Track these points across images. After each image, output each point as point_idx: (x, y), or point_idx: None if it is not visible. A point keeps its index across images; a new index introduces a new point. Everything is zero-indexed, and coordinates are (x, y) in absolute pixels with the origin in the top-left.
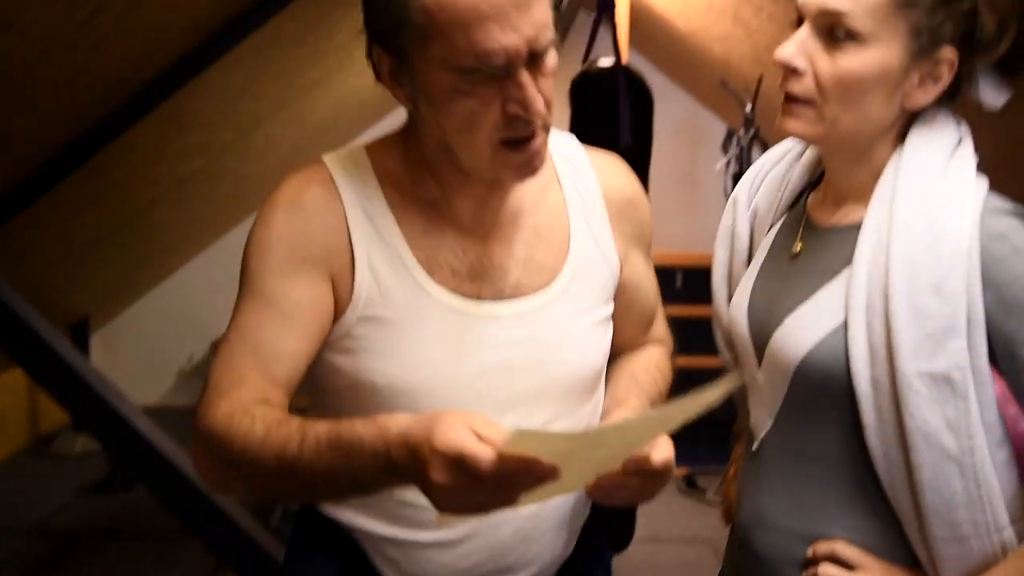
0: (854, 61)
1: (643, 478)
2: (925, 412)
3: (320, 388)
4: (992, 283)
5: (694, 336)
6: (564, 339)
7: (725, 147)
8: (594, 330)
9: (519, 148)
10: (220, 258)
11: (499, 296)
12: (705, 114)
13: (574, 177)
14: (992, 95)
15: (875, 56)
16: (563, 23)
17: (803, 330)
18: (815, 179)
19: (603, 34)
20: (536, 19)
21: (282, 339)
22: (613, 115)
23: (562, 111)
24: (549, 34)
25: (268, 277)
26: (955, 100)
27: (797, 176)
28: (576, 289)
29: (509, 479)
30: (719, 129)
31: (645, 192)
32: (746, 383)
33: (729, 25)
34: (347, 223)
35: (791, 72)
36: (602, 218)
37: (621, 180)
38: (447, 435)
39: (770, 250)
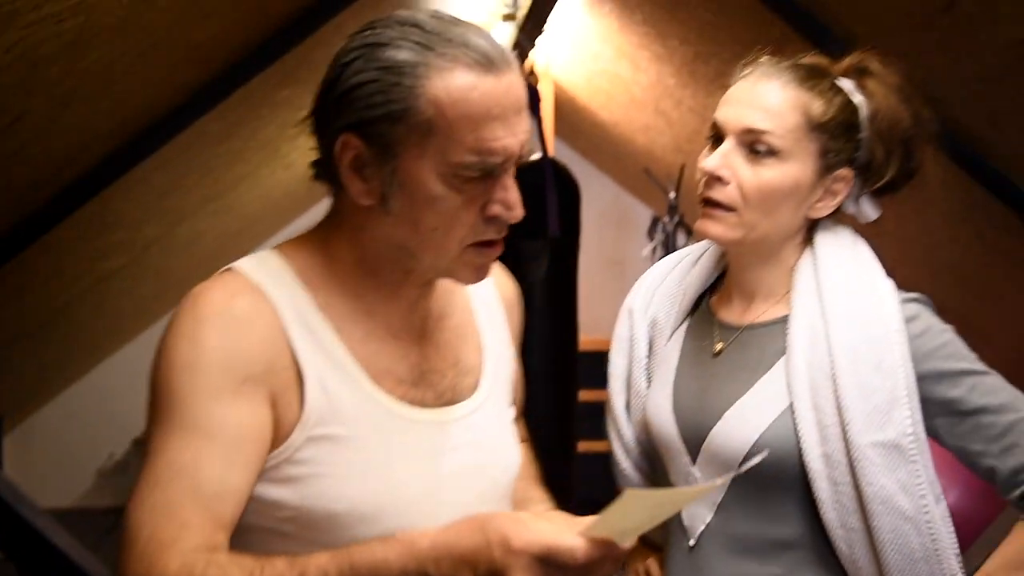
0: (774, 174)
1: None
2: (880, 478)
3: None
4: (919, 356)
5: None
6: (497, 441)
7: (651, 233)
8: (512, 428)
9: (485, 249)
10: (142, 352)
11: (441, 401)
12: (631, 201)
13: None
14: (869, 210)
15: (791, 170)
16: None
17: (747, 421)
18: (712, 283)
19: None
20: (527, 126)
21: (227, 474)
22: (541, 206)
23: None
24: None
25: (203, 402)
26: (838, 213)
27: (695, 281)
28: (496, 389)
29: (594, 564)
30: (645, 215)
31: (575, 279)
32: (671, 482)
33: (651, 116)
34: (286, 334)
35: (715, 180)
36: (501, 317)
37: (506, 280)
38: (525, 534)
39: (682, 356)
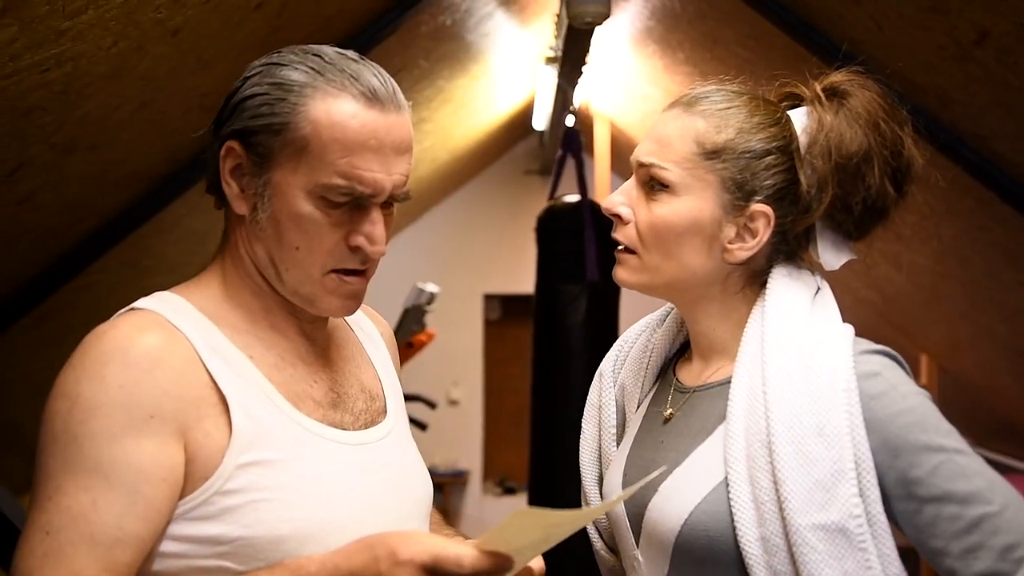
0: (665, 210)
1: None
2: (824, 570)
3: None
4: (874, 422)
5: None
6: (414, 461)
7: None
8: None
9: (348, 278)
10: None
11: (358, 424)
12: None
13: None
14: (831, 256)
15: (685, 206)
16: (547, 158)
17: (680, 494)
18: (681, 346)
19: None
20: (405, 169)
21: (126, 520)
22: (579, 250)
23: (530, 246)
24: (406, 188)
25: (103, 444)
26: (794, 260)
27: (658, 344)
28: (400, 416)
29: (481, 574)
30: None
31: (615, 324)
32: (624, 567)
33: None
34: (203, 364)
35: (617, 220)
36: (384, 352)
37: (381, 319)
38: (413, 545)
39: (643, 422)
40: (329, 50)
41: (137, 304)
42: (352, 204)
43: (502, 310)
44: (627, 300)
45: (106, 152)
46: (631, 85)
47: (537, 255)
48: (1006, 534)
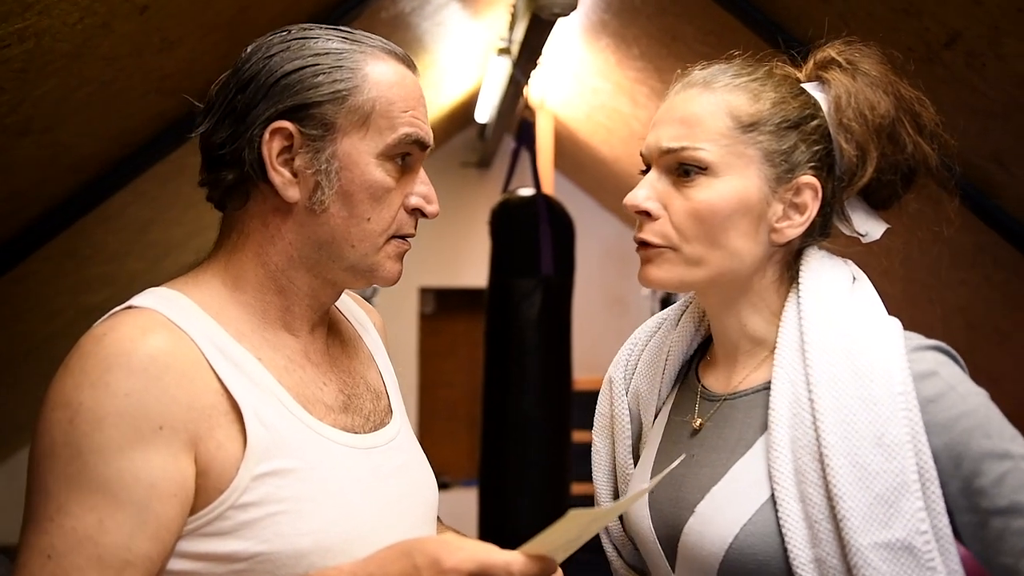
0: (708, 194)
1: None
2: None
3: None
4: (933, 427)
5: None
6: (421, 463)
7: None
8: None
9: (404, 243)
10: None
11: (369, 426)
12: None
13: (343, 303)
14: (866, 227)
15: (729, 186)
16: (487, 151)
17: (722, 515)
18: (699, 346)
19: (524, 162)
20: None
21: (136, 540)
22: (534, 243)
23: (466, 240)
24: None
25: (109, 458)
26: (827, 237)
27: (675, 345)
28: (403, 411)
29: None
30: None
31: (568, 319)
32: None
33: None
34: (212, 369)
35: (643, 217)
36: (380, 342)
37: (372, 308)
38: (457, 553)
39: (666, 433)
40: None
41: (135, 302)
42: (404, 166)
43: (437, 304)
44: (580, 296)
45: (60, 135)
46: (580, 78)
47: (491, 249)
48: None
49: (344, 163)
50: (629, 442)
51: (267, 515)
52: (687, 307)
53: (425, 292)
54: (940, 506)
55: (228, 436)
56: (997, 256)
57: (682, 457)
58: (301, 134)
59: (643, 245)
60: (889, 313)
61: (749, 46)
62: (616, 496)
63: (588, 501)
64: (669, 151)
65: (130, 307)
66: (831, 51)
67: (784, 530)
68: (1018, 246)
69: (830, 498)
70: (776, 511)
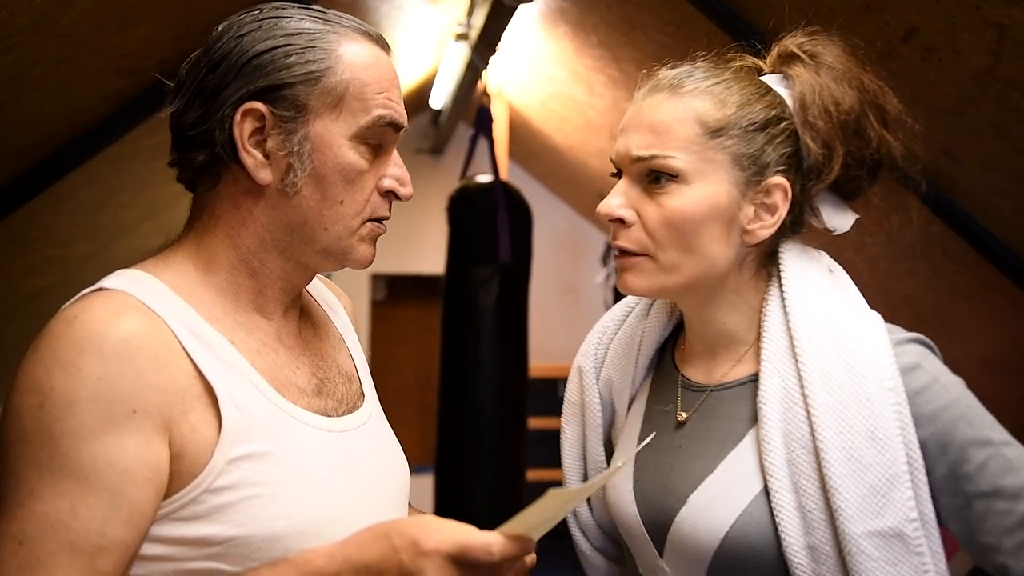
0: (679, 201)
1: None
2: None
3: None
4: (920, 419)
5: None
6: (393, 445)
7: (605, 260)
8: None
9: (378, 226)
10: None
11: (341, 409)
12: (586, 226)
13: (313, 286)
14: (838, 220)
15: (700, 192)
16: (441, 137)
17: (717, 505)
18: (671, 332)
19: (482, 149)
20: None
21: (109, 525)
22: (492, 231)
23: (441, 226)
24: None
25: (81, 442)
26: (799, 232)
27: (650, 333)
28: (374, 394)
29: (508, 561)
30: (599, 241)
31: (525, 306)
32: (643, 574)
33: (606, 141)
34: (188, 354)
35: (619, 224)
36: (349, 324)
37: (341, 291)
38: (435, 534)
39: (646, 420)
40: (305, 6)
41: (105, 284)
42: (376, 148)
43: (388, 290)
44: (533, 284)
45: (13, 113)
46: (536, 66)
47: (448, 235)
48: None
49: (317, 145)
50: (600, 430)
51: (242, 499)
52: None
53: (376, 279)
54: (926, 493)
55: (202, 420)
56: (947, 248)
57: (652, 435)
58: (273, 115)
59: (622, 253)
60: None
61: (709, 36)
62: (585, 479)
63: (543, 487)
64: (640, 159)
65: (101, 289)
66: (794, 43)
67: (778, 519)
68: (968, 239)
69: (825, 489)
70: (769, 501)
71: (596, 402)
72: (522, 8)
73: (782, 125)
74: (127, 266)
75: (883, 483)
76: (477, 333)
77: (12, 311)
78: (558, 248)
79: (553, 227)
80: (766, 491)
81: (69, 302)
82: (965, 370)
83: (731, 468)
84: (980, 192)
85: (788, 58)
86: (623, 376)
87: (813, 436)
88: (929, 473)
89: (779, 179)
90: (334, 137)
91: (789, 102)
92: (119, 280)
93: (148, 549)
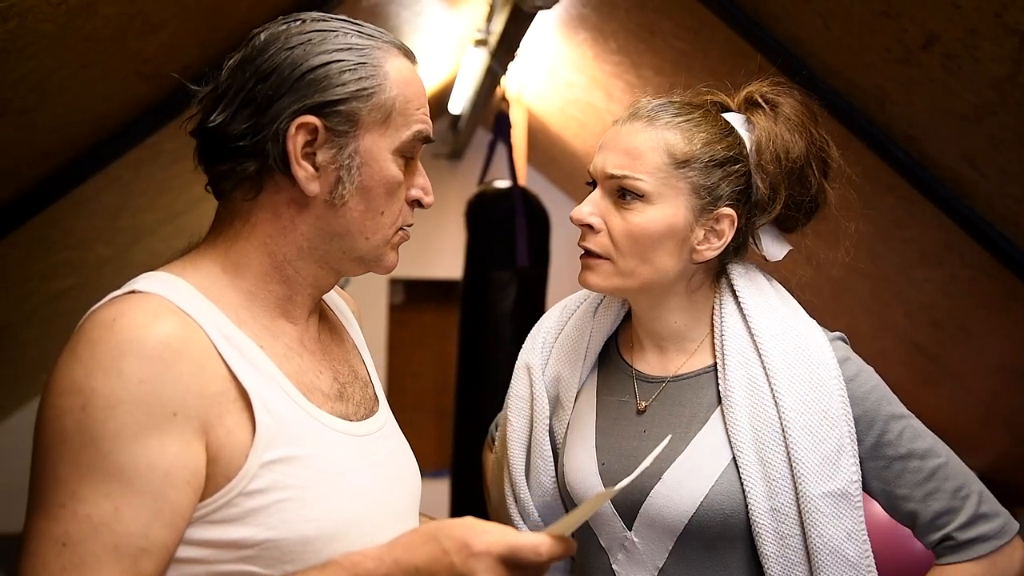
0: (641, 218)
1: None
2: (829, 528)
3: None
4: (854, 399)
5: None
6: (407, 450)
7: None
8: None
9: (404, 234)
10: None
11: (360, 414)
12: None
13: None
14: (774, 249)
15: (661, 213)
16: (459, 143)
17: (691, 479)
18: (615, 329)
19: (500, 154)
20: None
21: (152, 528)
22: (510, 236)
23: (459, 231)
24: None
25: (124, 445)
26: (741, 254)
27: (600, 330)
28: (384, 400)
29: (553, 560)
30: None
31: (543, 310)
32: (603, 547)
33: None
34: (222, 358)
35: (587, 229)
36: (359, 330)
37: (348, 296)
38: (484, 536)
39: (601, 410)
40: (341, 18)
41: (137, 286)
42: (409, 160)
43: (406, 295)
44: (551, 288)
45: (37, 117)
46: (555, 72)
47: (466, 240)
48: (954, 479)
49: (365, 159)
50: (547, 422)
51: (274, 502)
52: (604, 296)
53: (394, 283)
54: (858, 459)
55: (237, 423)
56: (964, 255)
57: (668, 438)
58: (326, 129)
59: (587, 254)
60: (853, 311)
61: (727, 42)
62: (527, 467)
63: None
64: (613, 176)
65: (133, 291)
66: (759, 90)
67: (746, 487)
68: (986, 245)
69: (789, 460)
70: (739, 472)
71: (544, 397)
72: (541, 14)
73: (738, 166)
74: (146, 269)
75: (833, 452)
76: (495, 337)
77: (31, 314)
78: (576, 253)
79: (571, 232)
80: (735, 463)
81: (98, 304)
82: (982, 377)
83: (701, 445)
84: (999, 199)
85: (752, 104)
86: (572, 371)
87: (780, 416)
88: (859, 443)
89: (728, 210)
90: (381, 151)
91: (747, 144)
92: (150, 283)
93: (182, 552)
